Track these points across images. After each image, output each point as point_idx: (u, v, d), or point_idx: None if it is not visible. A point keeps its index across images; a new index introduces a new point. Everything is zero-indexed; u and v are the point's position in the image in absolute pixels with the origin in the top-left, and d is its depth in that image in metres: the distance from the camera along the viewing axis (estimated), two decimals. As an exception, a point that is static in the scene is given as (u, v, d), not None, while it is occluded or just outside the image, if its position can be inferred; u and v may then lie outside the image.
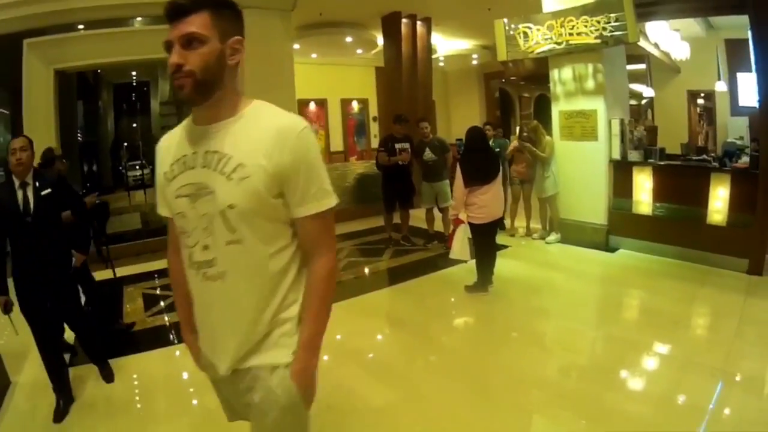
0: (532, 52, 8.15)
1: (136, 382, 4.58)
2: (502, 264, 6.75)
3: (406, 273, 7.37)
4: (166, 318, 6.14)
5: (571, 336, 5.06)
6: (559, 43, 7.76)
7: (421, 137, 8.47)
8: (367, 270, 7.71)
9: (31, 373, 4.72)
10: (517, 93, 21.95)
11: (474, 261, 6.33)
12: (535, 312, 5.71)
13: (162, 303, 6.64)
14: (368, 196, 11.71)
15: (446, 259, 6.73)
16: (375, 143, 17.35)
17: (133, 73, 24.18)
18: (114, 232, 12.05)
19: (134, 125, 28.50)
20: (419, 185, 8.87)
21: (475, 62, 17.99)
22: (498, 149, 8.30)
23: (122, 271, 8.16)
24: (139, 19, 10.03)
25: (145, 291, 7.24)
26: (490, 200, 5.94)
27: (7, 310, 3.93)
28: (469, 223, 6.02)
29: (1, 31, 8.77)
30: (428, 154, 8.33)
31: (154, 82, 25.42)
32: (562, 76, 8.30)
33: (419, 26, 12.60)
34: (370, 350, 5.08)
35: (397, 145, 8.32)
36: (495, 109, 20.43)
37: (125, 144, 24.32)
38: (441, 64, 17.72)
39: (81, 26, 9.42)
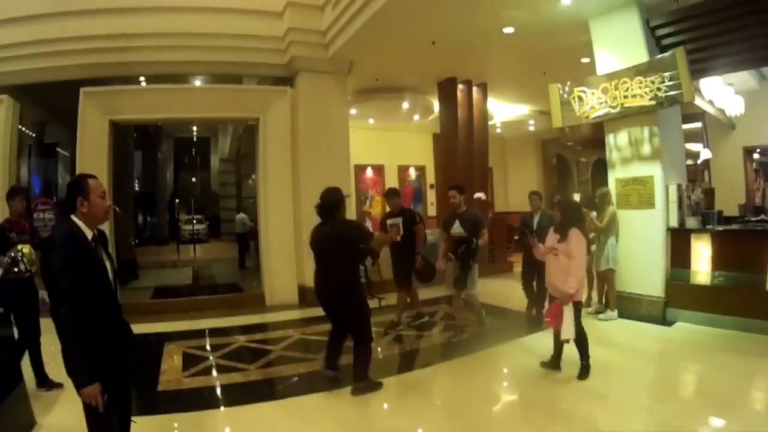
0: (587, 117, 7.86)
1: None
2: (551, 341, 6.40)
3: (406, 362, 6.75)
4: (203, 380, 5.87)
5: (623, 421, 4.57)
6: (614, 107, 7.47)
7: (452, 209, 7.25)
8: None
9: (58, 417, 4.63)
10: (575, 158, 21.64)
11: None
12: (585, 395, 5.23)
13: (202, 364, 6.35)
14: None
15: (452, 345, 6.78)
16: (432, 211, 17.52)
17: (194, 128, 24.62)
18: (163, 285, 12.37)
19: (193, 179, 29.56)
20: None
21: (531, 128, 17.72)
22: (547, 222, 7.78)
23: (166, 327, 8.16)
24: (198, 78, 10.28)
25: (187, 350, 6.99)
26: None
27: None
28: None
29: (62, 77, 9.16)
30: (457, 228, 6.97)
31: (214, 138, 26.08)
32: (617, 141, 7.91)
33: (475, 92, 12.44)
34: None
35: (389, 221, 7.58)
36: (552, 175, 20.08)
37: (177, 199, 24.57)
38: (498, 130, 17.46)
39: (142, 79, 9.68)
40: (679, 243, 7.58)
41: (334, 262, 5.22)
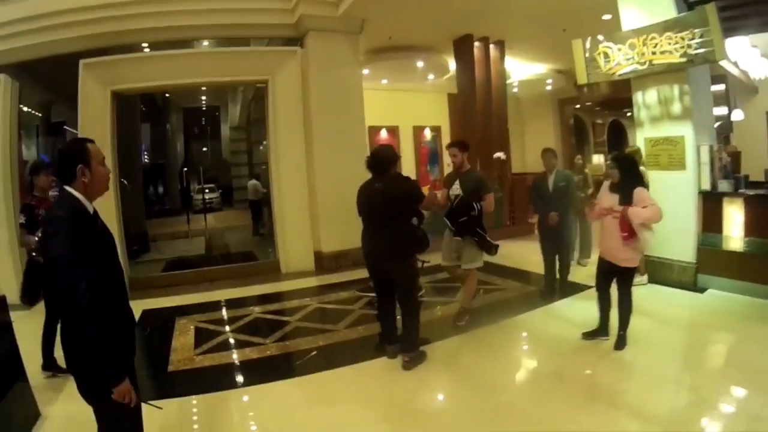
0: (614, 73, 7.44)
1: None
2: (583, 307, 6.06)
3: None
4: (216, 358, 5.55)
5: (654, 397, 4.22)
6: (641, 64, 7.03)
7: (456, 167, 6.03)
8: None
9: (63, 407, 4.41)
10: (591, 119, 21.09)
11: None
12: (622, 368, 4.89)
13: (215, 340, 6.06)
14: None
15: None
16: (448, 172, 16.91)
17: (203, 98, 24.35)
18: (175, 257, 12.20)
19: (204, 149, 29.22)
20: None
21: (549, 87, 17.24)
22: (564, 183, 7.33)
23: (178, 300, 7.93)
24: (203, 42, 9.93)
25: (199, 324, 6.72)
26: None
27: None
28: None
29: (61, 51, 8.75)
30: (456, 188, 5.85)
31: (224, 107, 25.69)
32: (646, 99, 7.47)
33: (492, 50, 11.95)
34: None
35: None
36: (570, 137, 19.57)
37: (185, 168, 24.29)
38: (515, 90, 16.95)
39: (145, 46, 9.31)
40: (710, 207, 7.20)
41: (388, 220, 4.90)
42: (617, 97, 15.48)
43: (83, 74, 8.72)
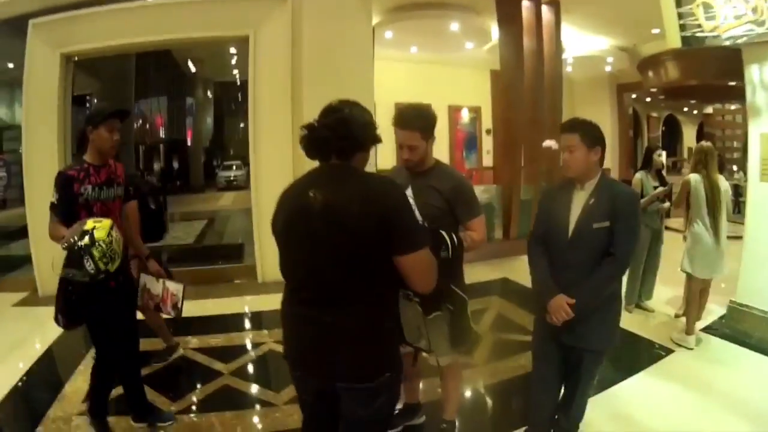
0: (719, 34, 5.10)
1: None
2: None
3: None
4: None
5: None
6: (760, 23, 4.77)
7: (407, 162, 3.15)
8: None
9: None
10: (645, 111, 18.64)
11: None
12: None
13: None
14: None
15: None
16: (487, 161, 15.32)
17: (235, 72, 23.30)
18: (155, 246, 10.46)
19: (240, 125, 28.09)
20: None
21: (608, 69, 14.98)
22: None
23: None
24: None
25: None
26: None
27: None
28: None
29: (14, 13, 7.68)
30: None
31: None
32: (764, 76, 5.22)
33: (545, 13, 9.74)
34: None
35: None
36: (628, 129, 17.22)
37: (209, 144, 23.37)
38: (568, 69, 14.54)
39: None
40: None
41: (344, 283, 2.63)
42: (685, 86, 13.09)
43: (31, 36, 7.43)
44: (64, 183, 3.27)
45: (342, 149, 2.18)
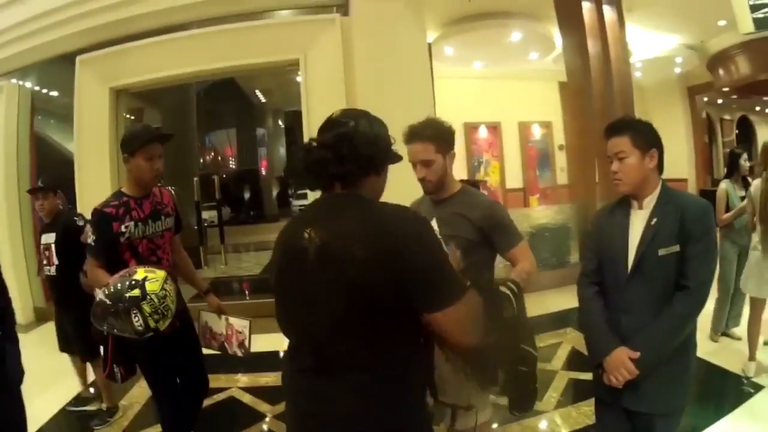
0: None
1: None
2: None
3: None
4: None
5: None
6: None
7: (427, 187, 2.73)
8: None
9: None
10: (718, 114, 17.51)
11: None
12: None
13: None
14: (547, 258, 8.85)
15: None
16: (561, 178, 14.52)
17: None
18: (225, 276, 10.77)
19: None
20: None
21: (678, 70, 13.95)
22: None
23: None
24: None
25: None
26: None
27: None
28: None
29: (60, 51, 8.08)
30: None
31: (331, 110, 25.25)
32: None
33: (608, 13, 8.97)
34: None
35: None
36: (702, 135, 16.08)
37: (278, 174, 23.62)
38: (638, 74, 13.47)
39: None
40: None
41: (355, 347, 2.21)
42: (757, 83, 12.13)
43: (79, 73, 7.62)
44: (100, 222, 2.96)
45: (345, 174, 1.72)
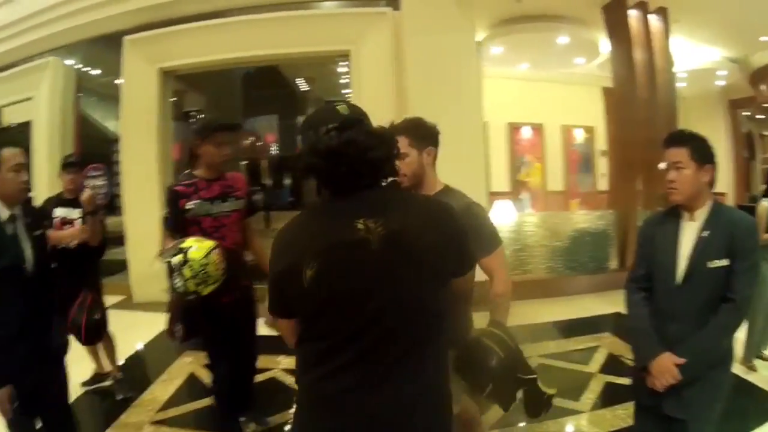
0: None
1: None
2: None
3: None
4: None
5: None
6: None
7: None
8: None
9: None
10: (758, 129, 17.17)
11: None
12: None
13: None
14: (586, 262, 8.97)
15: None
16: (602, 184, 14.41)
17: (345, 91, 23.22)
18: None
19: None
20: None
21: (720, 82, 13.69)
22: None
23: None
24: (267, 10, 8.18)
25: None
26: None
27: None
28: None
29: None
30: None
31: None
32: None
33: (653, 22, 9.00)
34: None
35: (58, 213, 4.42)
36: (742, 149, 15.80)
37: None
38: (682, 84, 13.06)
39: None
40: None
41: (423, 336, 2.08)
42: None
43: (127, 53, 7.88)
44: (170, 198, 3.35)
45: (393, 169, 1.77)
